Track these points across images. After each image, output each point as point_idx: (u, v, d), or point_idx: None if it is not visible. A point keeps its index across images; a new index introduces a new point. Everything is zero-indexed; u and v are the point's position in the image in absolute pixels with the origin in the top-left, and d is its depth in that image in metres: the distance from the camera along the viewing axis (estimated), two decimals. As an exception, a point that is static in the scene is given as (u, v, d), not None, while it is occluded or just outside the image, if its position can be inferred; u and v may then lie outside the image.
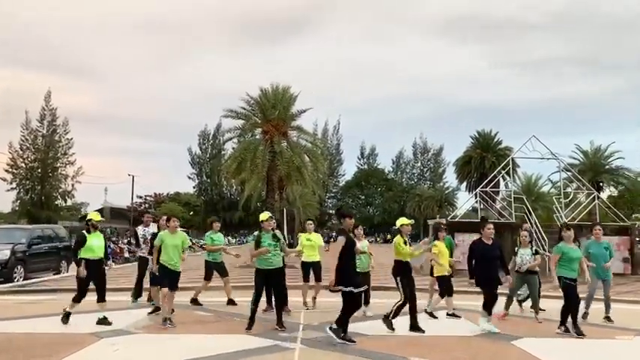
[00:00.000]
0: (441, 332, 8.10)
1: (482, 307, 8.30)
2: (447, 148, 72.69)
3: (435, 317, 9.21)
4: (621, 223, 20.54)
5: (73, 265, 18.80)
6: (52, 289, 13.28)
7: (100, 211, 69.18)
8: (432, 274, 9.78)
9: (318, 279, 10.07)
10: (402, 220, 8.59)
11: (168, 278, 8.31)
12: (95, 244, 8.29)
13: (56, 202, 54.07)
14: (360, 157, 74.67)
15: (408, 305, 8.07)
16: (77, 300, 8.21)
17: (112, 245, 24.66)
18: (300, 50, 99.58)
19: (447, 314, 9.48)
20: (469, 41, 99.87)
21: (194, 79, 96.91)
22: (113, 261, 21.98)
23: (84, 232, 8.39)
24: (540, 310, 9.81)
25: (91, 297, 11.51)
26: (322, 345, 7.03)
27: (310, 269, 10.03)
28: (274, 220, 8.60)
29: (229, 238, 42.59)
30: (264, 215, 8.33)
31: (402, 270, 8.19)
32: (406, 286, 8.08)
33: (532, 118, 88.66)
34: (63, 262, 18.29)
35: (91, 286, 8.37)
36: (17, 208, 52.69)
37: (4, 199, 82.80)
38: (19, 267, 15.37)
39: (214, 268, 10.42)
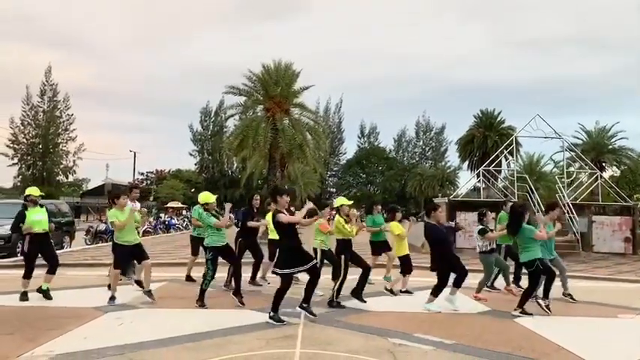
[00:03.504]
0: (441, 309, 8.08)
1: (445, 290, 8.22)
2: (449, 127, 72.05)
3: (394, 294, 9.29)
4: (623, 203, 20.52)
5: (77, 239, 18.90)
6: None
7: (102, 187, 69.43)
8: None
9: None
10: (341, 200, 8.72)
11: None
12: (37, 218, 8.35)
13: (58, 178, 54.15)
14: (361, 135, 74.42)
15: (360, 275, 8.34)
16: (27, 276, 8.23)
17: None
18: (301, 27, 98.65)
19: (400, 291, 9.47)
20: (471, 20, 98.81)
21: (196, 55, 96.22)
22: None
23: (22, 208, 8.45)
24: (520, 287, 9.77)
25: (97, 271, 11.61)
26: (324, 320, 7.07)
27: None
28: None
29: (231, 214, 42.65)
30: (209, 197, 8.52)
31: (345, 247, 8.32)
32: (347, 264, 8.27)
33: (535, 98, 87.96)
34: (65, 237, 18.38)
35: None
36: (19, 184, 52.79)
37: (6, 174, 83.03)
38: (22, 242, 15.41)
39: (201, 244, 10.42)
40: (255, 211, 9.87)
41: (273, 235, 9.82)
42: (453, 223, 10.50)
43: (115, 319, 6.98)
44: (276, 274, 7.07)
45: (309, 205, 7.24)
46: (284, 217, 6.94)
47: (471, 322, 7.40)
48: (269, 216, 10.18)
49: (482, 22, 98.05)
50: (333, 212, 8.79)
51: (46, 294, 8.20)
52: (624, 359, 5.91)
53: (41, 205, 8.62)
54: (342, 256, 8.31)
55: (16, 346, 5.56)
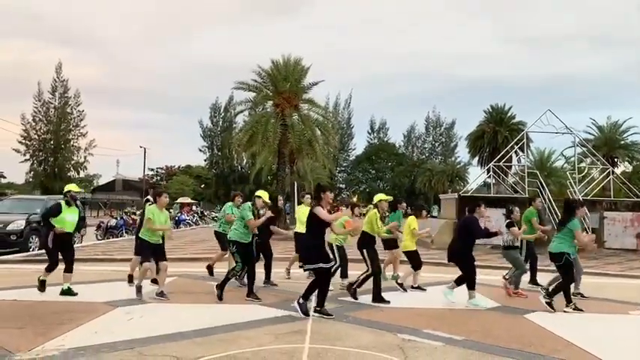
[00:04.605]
0: (450, 305, 8.05)
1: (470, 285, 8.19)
2: (459, 123, 71.76)
3: (405, 290, 9.27)
4: (635, 199, 20.33)
5: (88, 235, 19.02)
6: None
7: (112, 183, 69.96)
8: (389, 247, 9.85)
9: None
10: (380, 196, 8.68)
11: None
12: (69, 219, 8.21)
13: (69, 174, 54.50)
14: (370, 131, 74.20)
15: (372, 277, 8.22)
16: (50, 269, 8.21)
17: (124, 217, 24.85)
18: (308, 25, 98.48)
19: (412, 287, 9.48)
20: (481, 15, 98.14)
21: (206, 51, 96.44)
22: (126, 232, 22.39)
23: (61, 202, 8.30)
24: (537, 285, 9.71)
25: (108, 266, 11.70)
26: (334, 316, 7.05)
27: None
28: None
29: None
30: (265, 194, 8.62)
31: (369, 242, 8.33)
32: (373, 257, 8.23)
33: (546, 94, 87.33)
34: (77, 232, 18.51)
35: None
36: (31, 180, 53.29)
37: (18, 170, 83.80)
38: (34, 237, 15.57)
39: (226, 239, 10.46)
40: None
41: (300, 229, 9.85)
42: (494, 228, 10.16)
43: (125, 314, 7.02)
44: (312, 269, 7.12)
45: (347, 211, 7.29)
46: (322, 213, 7.01)
47: (481, 318, 7.36)
48: (303, 208, 10.22)
49: (491, 18, 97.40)
50: (344, 209, 8.77)
51: (69, 292, 8.17)
52: (635, 356, 5.87)
53: (77, 205, 8.54)
54: (365, 250, 8.27)
55: (27, 340, 5.60)
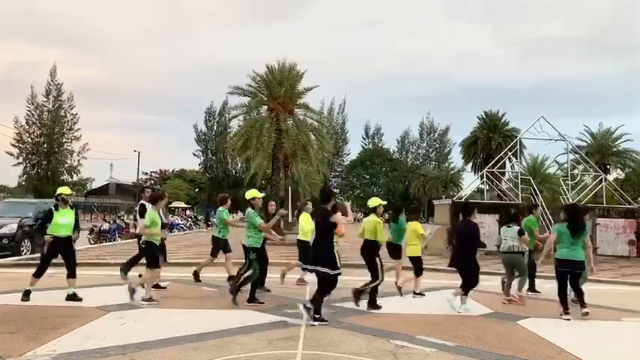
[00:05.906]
0: (444, 311, 8.04)
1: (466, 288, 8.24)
2: (453, 128, 72.28)
3: (401, 295, 9.19)
4: (628, 206, 20.46)
5: (81, 238, 19.00)
6: (59, 263, 13.33)
7: (106, 187, 69.68)
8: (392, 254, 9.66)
9: None
10: (377, 201, 8.47)
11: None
12: (62, 222, 8.09)
13: (62, 178, 54.29)
14: (365, 136, 74.47)
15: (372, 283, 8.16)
16: (37, 275, 8.10)
17: (117, 221, 24.80)
18: (304, 27, 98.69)
19: (415, 293, 9.38)
20: (476, 19, 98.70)
21: (200, 55, 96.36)
22: (119, 236, 22.33)
23: (52, 207, 8.22)
24: (536, 292, 9.80)
25: (101, 271, 11.65)
26: (329, 322, 7.04)
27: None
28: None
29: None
30: (256, 192, 8.56)
31: (374, 250, 8.17)
32: (382, 266, 8.16)
33: (542, 97, 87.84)
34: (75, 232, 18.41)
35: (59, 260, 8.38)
36: (24, 183, 53.04)
37: (11, 173, 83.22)
38: (26, 241, 15.46)
39: (221, 246, 10.40)
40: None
41: (304, 237, 9.80)
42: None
43: (118, 319, 6.99)
44: (326, 274, 7.04)
45: (349, 205, 7.28)
46: (340, 218, 7.02)
47: (473, 324, 7.37)
48: (305, 216, 10.17)
49: (490, 22, 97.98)
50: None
51: (74, 297, 8.07)
52: (628, 363, 5.89)
53: (71, 207, 8.40)
54: (370, 259, 8.09)
55: (19, 344, 5.57)
